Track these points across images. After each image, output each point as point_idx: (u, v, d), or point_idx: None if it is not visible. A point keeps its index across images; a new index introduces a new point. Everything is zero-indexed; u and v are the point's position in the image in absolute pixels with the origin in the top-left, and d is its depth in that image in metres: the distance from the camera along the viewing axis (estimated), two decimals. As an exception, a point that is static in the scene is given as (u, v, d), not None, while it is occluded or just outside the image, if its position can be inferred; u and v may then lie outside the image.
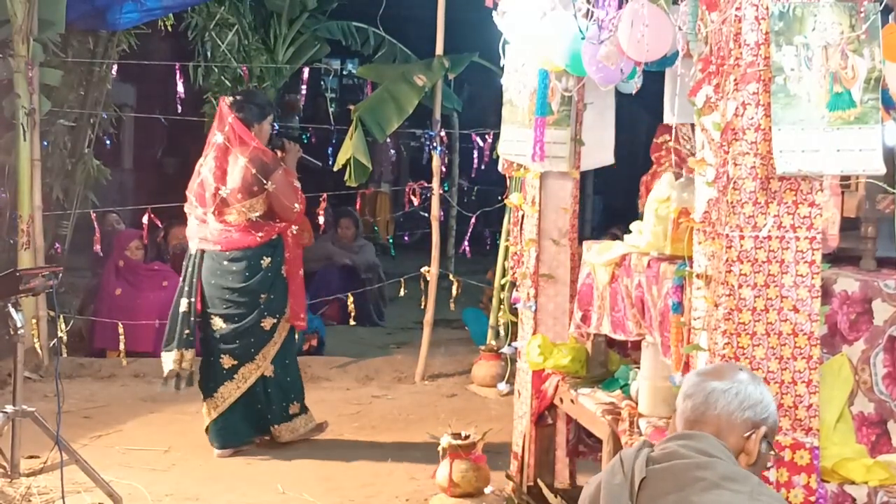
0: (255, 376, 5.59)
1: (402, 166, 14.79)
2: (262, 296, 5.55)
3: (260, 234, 5.53)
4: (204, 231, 5.60)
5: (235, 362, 5.57)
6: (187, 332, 5.57)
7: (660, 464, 2.25)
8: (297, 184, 5.66)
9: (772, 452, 2.40)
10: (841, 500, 2.96)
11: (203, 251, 5.60)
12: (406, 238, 12.10)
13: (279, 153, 5.73)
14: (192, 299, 5.56)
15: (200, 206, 5.62)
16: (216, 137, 5.61)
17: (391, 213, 13.37)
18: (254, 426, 5.69)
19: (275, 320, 5.60)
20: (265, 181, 5.50)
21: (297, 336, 6.03)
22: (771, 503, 2.18)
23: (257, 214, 5.53)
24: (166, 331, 5.69)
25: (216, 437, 5.59)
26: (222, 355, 5.57)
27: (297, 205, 5.57)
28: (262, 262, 5.54)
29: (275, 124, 5.90)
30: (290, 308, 5.66)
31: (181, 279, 5.68)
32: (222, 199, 5.53)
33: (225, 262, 5.55)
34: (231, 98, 5.72)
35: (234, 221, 5.54)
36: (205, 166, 5.62)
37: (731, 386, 2.35)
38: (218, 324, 5.58)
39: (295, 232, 5.68)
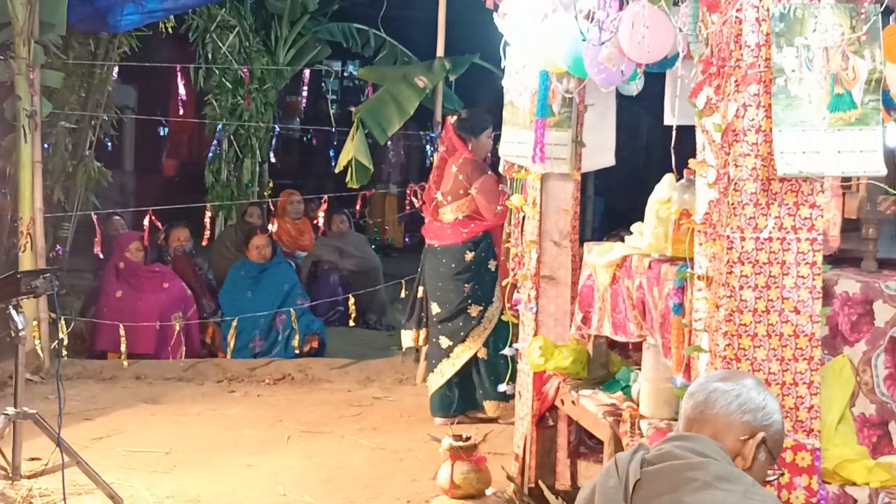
0: (467, 356, 6.23)
1: (411, 167, 14.78)
2: (466, 286, 6.23)
3: (465, 231, 6.24)
4: (428, 229, 6.43)
5: (451, 343, 6.27)
6: (422, 314, 6.46)
7: (654, 465, 2.24)
8: (507, 189, 6.19)
9: (774, 466, 2.39)
10: (842, 502, 2.95)
11: (429, 246, 6.41)
12: (407, 239, 12.09)
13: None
14: (424, 287, 6.41)
15: (427, 208, 6.51)
16: (441, 149, 6.52)
17: (398, 214, 13.38)
18: (466, 401, 6.31)
19: (481, 307, 6.23)
20: (469, 186, 6.20)
21: None
22: (765, 502, 2.17)
23: (464, 215, 6.26)
24: (406, 311, 6.61)
25: (435, 408, 6.34)
26: (440, 336, 6.31)
27: (498, 206, 6.15)
28: (465, 255, 6.24)
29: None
30: (502, 299, 6.05)
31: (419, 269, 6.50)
32: (437, 201, 6.36)
33: (438, 256, 6.31)
34: (455, 115, 6.50)
35: (446, 221, 6.31)
36: (432, 174, 6.50)
37: (733, 388, 2.35)
38: (434, 308, 6.33)
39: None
